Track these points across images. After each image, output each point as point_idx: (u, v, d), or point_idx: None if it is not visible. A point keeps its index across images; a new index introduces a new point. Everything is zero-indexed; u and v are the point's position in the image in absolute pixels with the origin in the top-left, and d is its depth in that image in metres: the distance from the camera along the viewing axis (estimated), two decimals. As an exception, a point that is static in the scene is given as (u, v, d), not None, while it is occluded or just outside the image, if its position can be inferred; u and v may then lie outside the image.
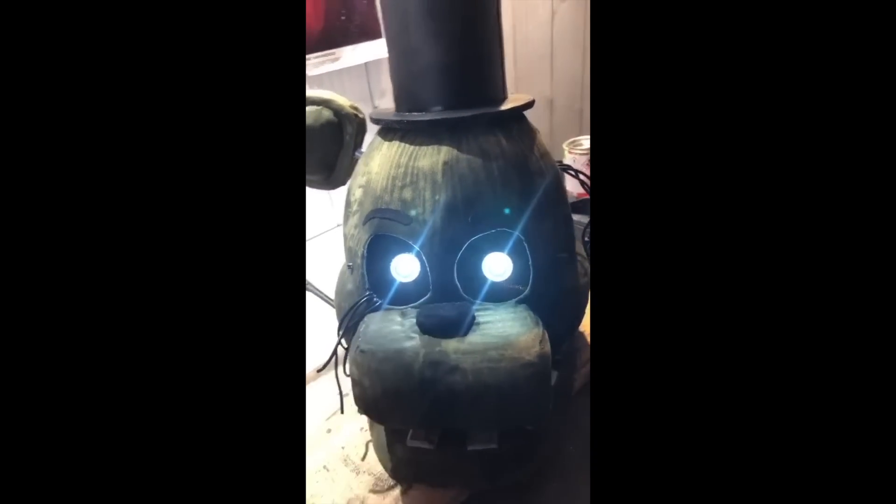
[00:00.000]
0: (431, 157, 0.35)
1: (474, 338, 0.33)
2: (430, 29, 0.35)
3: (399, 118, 0.37)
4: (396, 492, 0.39)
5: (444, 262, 0.36)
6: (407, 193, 0.36)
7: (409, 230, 0.36)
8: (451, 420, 0.33)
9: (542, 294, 0.37)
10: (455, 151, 0.35)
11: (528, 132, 0.38)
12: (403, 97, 0.38)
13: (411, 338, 0.33)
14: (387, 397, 0.33)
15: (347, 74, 0.74)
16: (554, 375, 0.42)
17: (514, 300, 0.37)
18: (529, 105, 0.38)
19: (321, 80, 0.70)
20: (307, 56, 0.66)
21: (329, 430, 0.45)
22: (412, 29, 0.35)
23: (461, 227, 0.35)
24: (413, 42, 0.35)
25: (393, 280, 0.39)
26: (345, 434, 0.44)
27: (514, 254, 0.38)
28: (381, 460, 0.40)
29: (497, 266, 0.39)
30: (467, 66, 0.36)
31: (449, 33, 0.35)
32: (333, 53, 0.69)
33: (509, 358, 0.31)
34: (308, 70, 0.68)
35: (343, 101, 0.44)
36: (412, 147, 0.37)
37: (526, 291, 0.37)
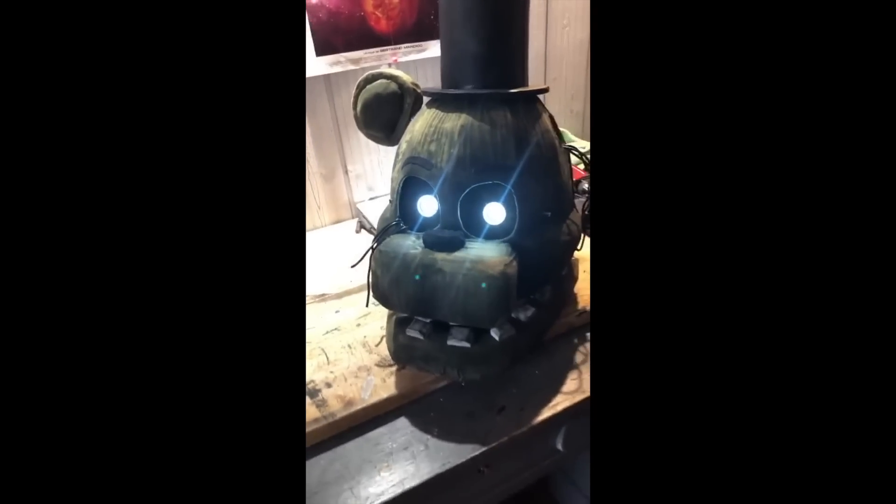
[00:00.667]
0: (453, 121, 0.48)
1: (459, 254, 0.45)
2: (468, 28, 0.47)
3: (438, 92, 0.49)
4: (394, 369, 0.52)
5: (451, 200, 0.48)
6: (432, 147, 0.49)
7: (430, 174, 0.49)
8: (432, 308, 0.45)
9: (524, 239, 0.48)
10: (471, 119, 0.47)
11: (534, 112, 0.49)
12: (446, 77, 0.51)
13: (416, 248, 0.46)
14: (391, 286, 0.46)
15: (430, 63, 0.89)
16: (530, 310, 0.53)
17: (500, 239, 0.48)
18: (538, 91, 0.49)
19: (408, 65, 0.85)
20: (402, 45, 0.82)
21: (358, 325, 0.60)
22: (455, 27, 0.48)
23: (466, 175, 0.47)
24: (454, 36, 0.48)
25: (419, 216, 0.52)
26: (369, 328, 0.59)
27: (507, 205, 0.49)
28: (388, 346, 0.53)
29: (493, 213, 0.50)
30: (493, 58, 0.48)
31: (481, 33, 0.47)
32: (420, 45, 0.83)
33: (478, 269, 0.43)
34: (400, 56, 0.83)
35: (407, 78, 0.57)
36: (442, 113, 0.49)
37: (511, 234, 0.48)
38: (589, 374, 0.52)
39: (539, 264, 0.50)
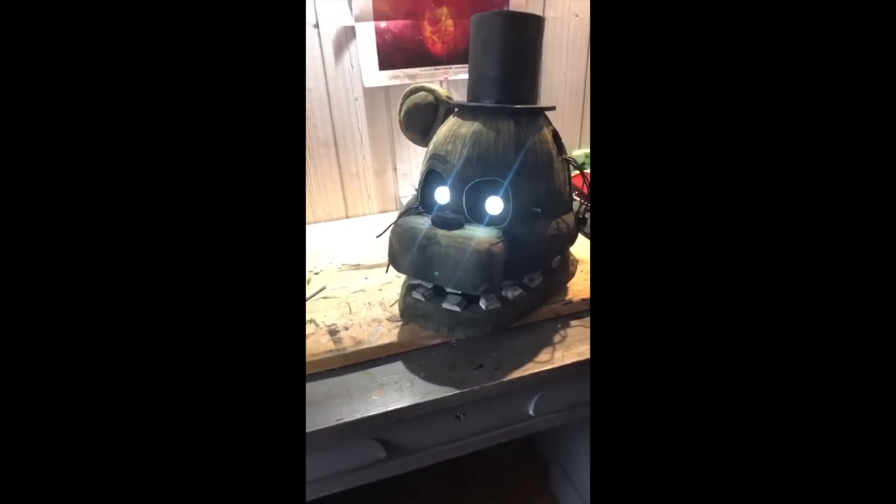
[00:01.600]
0: (467, 128, 0.59)
1: (456, 232, 0.56)
2: (487, 56, 0.59)
3: (460, 104, 0.61)
4: (400, 324, 0.64)
5: (459, 191, 0.59)
6: (449, 147, 0.60)
7: (445, 169, 0.60)
8: (430, 272, 0.56)
9: (515, 228, 0.58)
10: (481, 126, 0.59)
11: (536, 125, 0.60)
12: (470, 92, 0.63)
13: (424, 224, 0.58)
14: (400, 252, 0.58)
15: (479, 83, 1.02)
16: (517, 291, 0.62)
17: (494, 227, 0.59)
18: (542, 108, 0.60)
19: (457, 83, 0.98)
20: (452, 65, 0.95)
21: (380, 290, 0.72)
22: (478, 54, 0.60)
23: (472, 170, 0.58)
24: (476, 61, 0.60)
25: (436, 203, 0.64)
26: (388, 293, 0.71)
27: (504, 199, 0.59)
28: (398, 305, 0.65)
29: (493, 205, 0.61)
30: (504, 79, 0.59)
31: (496, 60, 0.58)
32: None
33: (467, 244, 0.54)
34: (451, 75, 0.96)
35: (442, 91, 0.70)
36: (461, 121, 0.61)
37: (505, 223, 0.58)
38: (563, 351, 0.61)
39: (527, 251, 0.60)
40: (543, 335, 0.64)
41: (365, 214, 1.05)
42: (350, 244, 0.89)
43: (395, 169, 1.04)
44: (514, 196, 0.58)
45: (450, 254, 0.54)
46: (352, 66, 0.89)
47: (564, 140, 0.66)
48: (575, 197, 0.69)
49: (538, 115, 0.61)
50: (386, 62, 0.89)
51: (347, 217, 1.04)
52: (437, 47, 0.92)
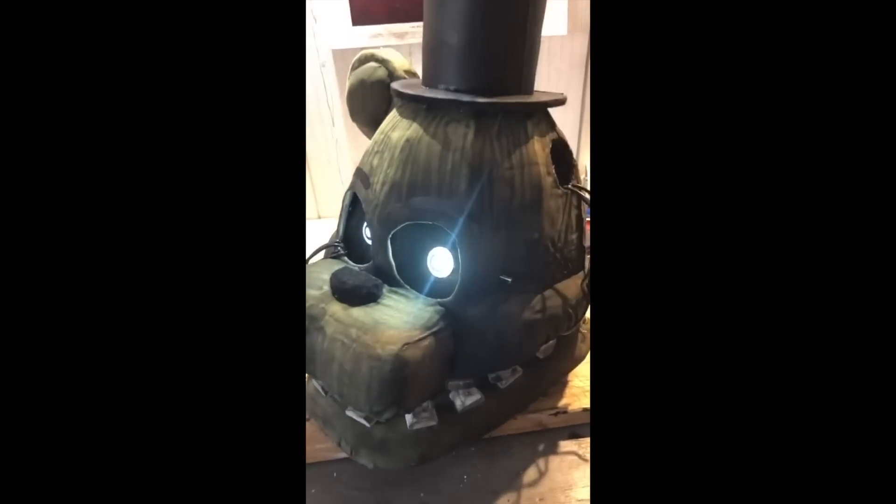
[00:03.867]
0: (401, 131, 0.35)
1: (356, 311, 0.33)
2: (446, 9, 0.33)
3: (399, 89, 0.37)
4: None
5: (381, 236, 0.36)
6: (375, 160, 0.37)
7: (366, 196, 0.37)
8: (313, 367, 0.34)
9: (465, 306, 0.34)
10: (420, 131, 0.34)
11: (518, 135, 0.34)
12: (424, 70, 0.38)
13: (320, 287, 0.36)
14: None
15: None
16: (473, 397, 0.39)
17: (435, 299, 0.35)
18: (535, 104, 0.34)
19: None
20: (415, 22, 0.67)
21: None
22: (432, 7, 0.35)
23: (397, 207, 0.34)
24: (430, 20, 0.35)
25: (366, 242, 0.41)
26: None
27: (454, 256, 0.36)
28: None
29: (438, 262, 0.37)
30: (474, 50, 0.34)
31: (462, 12, 0.33)
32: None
33: (362, 343, 0.31)
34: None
35: (400, 63, 0.45)
36: (397, 117, 0.37)
37: (449, 298, 0.35)
38: (542, 497, 0.37)
39: (486, 346, 0.36)
40: (512, 463, 0.41)
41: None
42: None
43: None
44: (466, 255, 0.34)
45: (334, 356, 0.32)
46: (315, 20, 0.65)
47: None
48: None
49: (525, 116, 0.35)
50: (362, 15, 0.65)
51: (319, 218, 0.83)
52: (437, -5, 0.66)
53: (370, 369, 0.30)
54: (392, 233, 0.35)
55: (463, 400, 0.39)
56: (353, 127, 0.70)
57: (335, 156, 0.78)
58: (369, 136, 0.51)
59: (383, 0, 0.65)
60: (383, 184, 0.35)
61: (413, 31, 0.68)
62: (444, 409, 0.39)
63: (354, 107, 0.48)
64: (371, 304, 0.34)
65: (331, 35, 0.66)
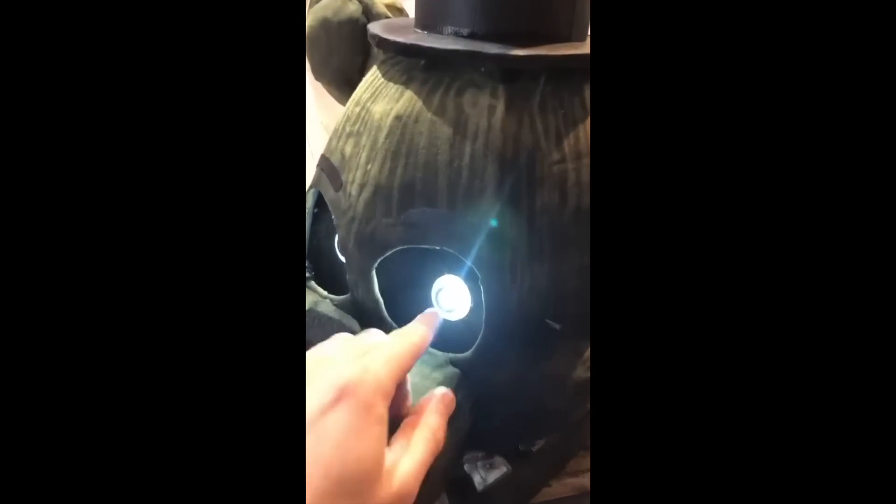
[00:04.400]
0: (387, 103, 0.23)
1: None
2: None
3: (380, 34, 0.24)
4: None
5: (361, 266, 0.24)
6: (348, 147, 0.24)
7: (336, 199, 0.25)
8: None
9: (491, 368, 0.23)
10: (419, 104, 0.22)
11: (572, 109, 0.22)
12: (420, 5, 0.25)
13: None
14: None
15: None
16: (497, 471, 0.28)
17: (445, 354, 0.24)
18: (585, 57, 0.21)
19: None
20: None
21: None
22: None
23: (387, 223, 0.22)
24: None
25: (335, 255, 0.29)
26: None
27: (474, 292, 0.24)
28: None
29: (448, 297, 0.25)
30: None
31: None
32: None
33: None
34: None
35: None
36: (382, 80, 0.24)
37: (466, 354, 0.24)
38: None
39: (522, 413, 0.25)
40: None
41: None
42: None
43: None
44: (494, 291, 0.22)
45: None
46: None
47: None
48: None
49: (584, 78, 0.23)
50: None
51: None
52: None
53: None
54: (378, 260, 0.23)
55: (484, 476, 0.29)
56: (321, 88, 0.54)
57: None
58: (342, 101, 0.38)
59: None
60: (362, 185, 0.23)
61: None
62: (459, 488, 0.28)
63: (315, 57, 0.35)
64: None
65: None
